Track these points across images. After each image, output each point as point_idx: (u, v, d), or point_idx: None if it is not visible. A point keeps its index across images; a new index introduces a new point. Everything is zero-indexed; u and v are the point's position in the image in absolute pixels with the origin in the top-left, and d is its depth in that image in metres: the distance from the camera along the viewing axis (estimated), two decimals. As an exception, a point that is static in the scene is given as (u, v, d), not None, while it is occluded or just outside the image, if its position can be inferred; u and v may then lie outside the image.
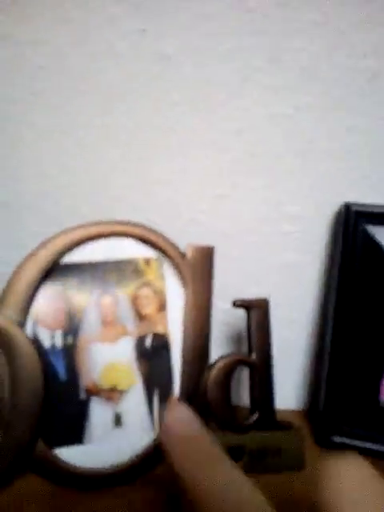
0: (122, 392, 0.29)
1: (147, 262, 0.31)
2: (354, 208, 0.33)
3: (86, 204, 0.36)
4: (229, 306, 0.31)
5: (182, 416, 0.19)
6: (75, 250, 0.30)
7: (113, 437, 0.28)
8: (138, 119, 0.35)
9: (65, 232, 0.30)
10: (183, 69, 0.34)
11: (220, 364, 0.30)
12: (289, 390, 0.38)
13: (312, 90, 0.34)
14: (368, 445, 0.33)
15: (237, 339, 0.38)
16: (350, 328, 0.33)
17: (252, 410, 0.31)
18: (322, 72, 0.34)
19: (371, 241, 0.33)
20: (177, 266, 0.31)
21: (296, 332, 0.38)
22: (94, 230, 0.30)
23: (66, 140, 0.35)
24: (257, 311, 0.31)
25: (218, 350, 0.33)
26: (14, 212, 0.37)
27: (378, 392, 0.33)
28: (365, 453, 0.32)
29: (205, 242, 0.32)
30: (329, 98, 0.35)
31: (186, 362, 0.30)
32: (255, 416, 0.30)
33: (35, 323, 0.29)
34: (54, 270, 0.29)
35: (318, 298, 0.37)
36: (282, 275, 0.37)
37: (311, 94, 0.34)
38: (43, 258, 0.29)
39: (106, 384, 0.28)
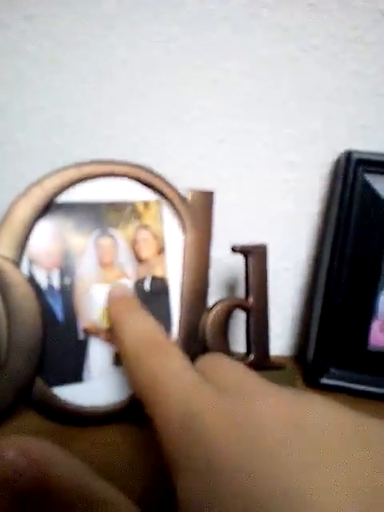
0: (121, 333, 0.29)
1: (146, 204, 0.30)
2: (355, 156, 0.33)
3: (79, 143, 0.34)
4: (222, 252, 0.31)
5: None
6: (71, 189, 0.29)
7: (112, 375, 0.28)
8: (136, 53, 0.33)
9: (60, 170, 0.29)
10: (186, 1, 0.32)
11: (218, 307, 0.30)
12: (278, 336, 0.39)
13: (319, 32, 0.33)
14: (355, 386, 0.34)
15: (230, 286, 0.38)
16: (343, 277, 0.34)
17: (247, 352, 0.31)
18: (330, 11, 0.33)
19: (370, 190, 0.33)
20: (177, 210, 0.31)
21: (287, 280, 0.38)
22: (90, 169, 0.29)
23: (62, 72, 0.33)
24: (255, 257, 0.32)
25: (211, 296, 0.33)
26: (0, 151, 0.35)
27: (366, 337, 0.34)
28: (352, 393, 0.34)
29: (201, 186, 0.32)
30: (336, 41, 0.33)
31: (184, 306, 0.30)
32: (251, 357, 0.31)
33: (31, 263, 0.28)
34: (50, 210, 0.28)
35: (313, 247, 0.37)
36: (278, 223, 0.37)
37: (318, 36, 0.33)
38: (38, 196, 0.28)
39: (105, 324, 0.28)
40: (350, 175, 0.33)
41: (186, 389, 0.16)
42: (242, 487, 0.12)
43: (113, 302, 0.25)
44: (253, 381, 0.17)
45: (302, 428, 0.13)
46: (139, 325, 0.21)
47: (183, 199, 0.31)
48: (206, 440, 0.14)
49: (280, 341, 0.40)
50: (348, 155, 0.33)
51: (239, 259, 0.33)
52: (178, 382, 0.16)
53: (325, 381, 0.35)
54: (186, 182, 0.33)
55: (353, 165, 0.33)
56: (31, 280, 0.27)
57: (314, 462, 0.12)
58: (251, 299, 0.31)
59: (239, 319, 0.37)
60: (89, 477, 0.14)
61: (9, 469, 0.12)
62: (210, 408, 0.15)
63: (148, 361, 0.18)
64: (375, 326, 0.34)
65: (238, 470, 0.12)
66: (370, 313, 0.34)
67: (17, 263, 0.27)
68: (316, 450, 0.12)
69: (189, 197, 0.31)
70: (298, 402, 0.14)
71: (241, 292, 0.34)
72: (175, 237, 0.31)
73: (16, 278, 0.26)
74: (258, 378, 0.17)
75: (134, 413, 0.28)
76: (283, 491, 0.11)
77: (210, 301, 0.31)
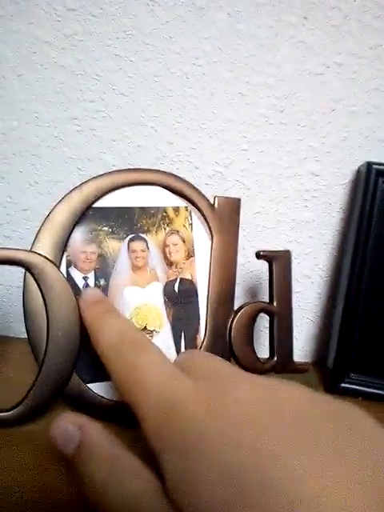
0: (151, 332, 0.30)
1: (176, 210, 0.32)
2: (375, 167, 0.34)
3: (111, 152, 0.36)
4: (246, 258, 0.32)
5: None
6: (107, 195, 0.30)
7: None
8: (166, 67, 0.35)
9: (97, 177, 0.30)
10: (215, 20, 0.34)
11: (244, 310, 0.32)
12: (299, 341, 0.40)
13: (341, 50, 0.35)
14: (375, 391, 0.35)
15: (253, 292, 0.39)
16: (363, 284, 0.35)
17: (271, 356, 0.32)
18: (351, 32, 0.35)
19: (390, 200, 0.34)
20: (205, 216, 0.32)
21: (308, 287, 0.39)
22: (124, 177, 0.31)
23: (94, 84, 0.35)
24: (279, 262, 0.33)
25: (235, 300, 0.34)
26: (31, 156, 0.36)
27: (386, 343, 0.35)
28: (372, 398, 0.35)
29: (226, 194, 0.33)
30: (357, 59, 0.35)
31: (211, 308, 0.31)
32: (274, 360, 0.32)
33: (68, 265, 0.29)
34: (87, 214, 0.30)
35: (334, 254, 0.38)
36: (300, 231, 0.38)
37: (341, 54, 0.35)
38: (77, 201, 0.29)
39: (136, 324, 0.30)
40: (371, 185, 0.34)
41: (163, 379, 0.17)
42: (220, 463, 0.13)
43: (87, 306, 0.26)
44: (228, 369, 0.18)
45: (276, 410, 0.14)
46: (116, 325, 0.22)
47: (211, 206, 0.32)
48: (184, 424, 0.15)
49: (300, 346, 0.40)
50: (368, 166, 0.34)
51: (262, 265, 0.34)
52: (155, 373, 0.18)
53: (345, 386, 0.36)
54: (212, 190, 0.34)
55: (373, 175, 0.34)
56: (69, 280, 0.29)
57: (288, 439, 0.13)
58: (275, 303, 0.32)
59: (261, 324, 0.39)
60: (118, 445, 0.17)
61: (64, 432, 0.17)
62: (186, 395, 0.16)
63: (126, 356, 0.19)
64: (395, 332, 0.35)
65: (217, 449, 0.13)
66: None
67: (56, 264, 0.28)
68: (290, 430, 0.13)
69: (216, 204, 0.32)
70: (273, 386, 0.16)
71: (264, 298, 0.36)
72: (203, 242, 0.32)
73: (56, 278, 0.28)
74: (233, 366, 0.19)
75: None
76: (258, 464, 0.12)
77: (235, 305, 0.33)
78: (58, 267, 0.28)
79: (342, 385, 0.36)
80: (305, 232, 0.38)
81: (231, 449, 0.13)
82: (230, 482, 0.12)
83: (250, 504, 0.12)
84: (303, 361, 0.40)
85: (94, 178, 0.30)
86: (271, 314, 0.33)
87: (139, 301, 0.30)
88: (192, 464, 0.14)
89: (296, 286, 0.38)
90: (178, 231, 0.32)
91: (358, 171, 0.36)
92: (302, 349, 0.41)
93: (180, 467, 0.14)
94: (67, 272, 0.29)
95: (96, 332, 0.23)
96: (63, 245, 0.29)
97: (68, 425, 0.17)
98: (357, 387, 0.36)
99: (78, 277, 0.29)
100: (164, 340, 0.31)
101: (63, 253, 0.29)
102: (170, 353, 0.31)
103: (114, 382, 0.20)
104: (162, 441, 0.15)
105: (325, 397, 0.15)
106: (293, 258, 0.34)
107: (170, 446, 0.15)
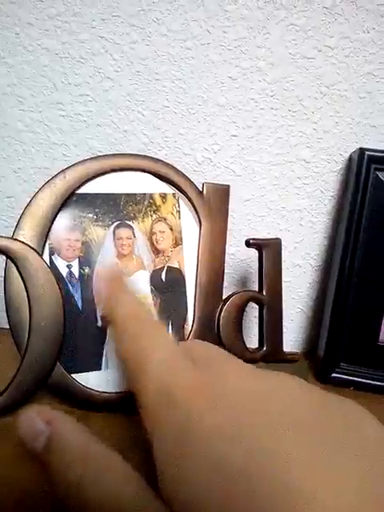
0: (138, 322, 0.29)
1: (164, 197, 0.31)
2: (367, 153, 0.34)
3: (97, 138, 0.35)
4: (235, 247, 0.32)
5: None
6: (91, 181, 0.29)
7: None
8: (153, 49, 0.34)
9: (82, 162, 0.29)
10: (204, 1, 0.33)
11: (233, 300, 0.31)
12: (289, 331, 0.40)
13: (334, 33, 0.34)
14: (366, 381, 0.35)
15: (242, 281, 0.39)
16: (354, 273, 0.35)
17: (260, 345, 0.32)
18: (345, 14, 0.34)
19: (382, 187, 0.34)
20: (193, 203, 0.31)
21: (298, 276, 0.39)
22: (110, 162, 0.30)
23: (79, 67, 0.34)
24: (269, 250, 0.32)
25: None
26: (15, 142, 0.35)
27: (377, 332, 0.35)
28: (362, 388, 0.34)
29: (215, 181, 0.32)
30: (350, 42, 0.34)
31: (199, 297, 0.31)
32: (264, 349, 0.32)
33: (52, 253, 0.28)
34: (71, 201, 0.29)
35: (325, 243, 0.38)
36: (290, 219, 0.37)
37: (333, 37, 0.34)
38: (60, 186, 0.28)
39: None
40: (363, 172, 0.34)
41: (165, 361, 0.17)
42: (212, 456, 0.13)
43: (105, 284, 0.25)
44: (227, 359, 0.18)
45: (272, 403, 0.14)
46: (130, 306, 0.22)
47: (199, 193, 0.31)
48: (180, 408, 0.14)
49: (290, 336, 0.40)
50: (361, 153, 0.34)
51: (252, 254, 0.33)
52: (159, 355, 0.17)
53: (336, 376, 0.35)
54: (201, 177, 0.33)
55: (366, 162, 0.34)
56: (52, 268, 0.28)
57: (284, 435, 0.13)
58: (265, 292, 0.32)
59: (251, 314, 0.38)
60: (90, 438, 0.17)
61: (32, 428, 0.16)
62: (185, 383, 0.16)
63: (135, 336, 0.19)
64: (386, 322, 0.35)
65: (210, 441, 0.13)
66: (381, 308, 0.35)
67: (39, 252, 0.28)
68: (286, 425, 0.13)
69: (204, 191, 0.31)
70: (271, 379, 0.16)
71: (252, 288, 0.35)
72: (191, 229, 0.31)
73: (38, 266, 0.27)
74: (232, 356, 0.19)
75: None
76: (252, 459, 0.12)
77: (223, 295, 0.32)
78: (41, 255, 0.28)
79: (333, 374, 0.35)
80: (296, 220, 0.37)
81: (225, 441, 0.13)
82: (222, 475, 0.12)
83: (240, 498, 0.11)
84: (293, 351, 0.39)
85: (77, 162, 0.29)
86: (261, 303, 0.32)
87: (125, 290, 0.29)
88: (183, 453, 0.13)
89: (286, 276, 0.38)
90: (165, 218, 0.31)
91: (350, 158, 0.36)
92: (292, 339, 0.40)
93: (171, 455, 0.14)
94: (50, 260, 0.28)
95: (110, 311, 0.22)
96: (46, 232, 0.28)
97: (34, 419, 0.16)
98: (347, 377, 0.35)
99: (61, 265, 0.28)
100: (151, 329, 0.30)
101: (46, 240, 0.28)
102: (157, 342, 0.30)
103: (120, 360, 0.20)
104: (156, 426, 0.15)
105: (322, 391, 0.15)
106: (283, 247, 0.33)
107: (163, 433, 0.15)
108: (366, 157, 0.34)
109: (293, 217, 0.37)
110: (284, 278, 0.35)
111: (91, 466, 0.15)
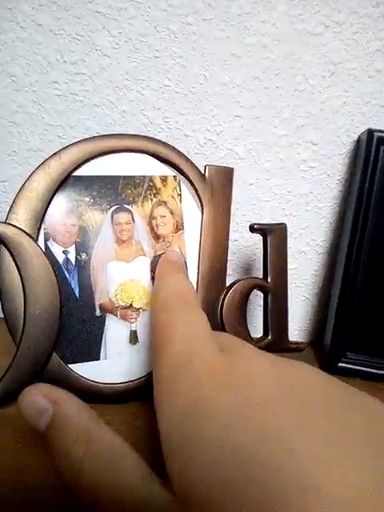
0: (137, 310, 0.28)
1: (164, 180, 0.30)
2: (376, 135, 0.32)
3: (94, 118, 0.33)
4: (238, 233, 0.31)
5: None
6: (88, 163, 0.28)
7: (128, 354, 0.28)
8: (153, 25, 0.32)
9: (78, 143, 0.28)
10: (206, -28, 0.31)
11: (237, 287, 0.30)
12: (295, 320, 0.39)
13: (342, 8, 0.32)
14: (372, 370, 0.34)
15: (246, 269, 0.37)
16: (362, 260, 0.33)
17: (265, 334, 0.31)
18: (353, -14, 0.32)
19: (392, 169, 0.32)
20: (195, 187, 0.30)
21: (304, 263, 0.38)
22: (108, 143, 0.28)
23: (75, 44, 0.32)
24: (274, 236, 0.31)
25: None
26: (9, 123, 0.34)
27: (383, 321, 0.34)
28: (368, 378, 0.33)
29: (218, 163, 0.31)
30: (359, 18, 0.33)
31: (202, 284, 0.30)
32: (269, 338, 0.30)
33: (47, 238, 0.27)
34: (67, 183, 0.28)
35: (332, 229, 0.37)
36: (296, 204, 0.36)
37: (341, 12, 0.32)
38: (55, 169, 0.27)
39: (121, 301, 0.28)
40: (372, 154, 0.32)
41: (194, 337, 0.17)
42: (221, 439, 0.12)
43: (163, 263, 0.25)
44: (252, 348, 0.18)
45: (289, 392, 0.14)
46: (176, 283, 0.22)
47: (201, 175, 0.30)
48: (196, 381, 0.14)
49: (296, 325, 0.39)
50: (369, 134, 0.32)
51: (257, 241, 0.32)
52: (189, 330, 0.17)
53: (342, 365, 0.34)
54: (203, 159, 0.32)
55: (374, 144, 0.32)
56: (48, 254, 0.27)
57: (299, 425, 0.12)
58: (270, 280, 0.31)
59: (256, 303, 0.37)
60: (94, 420, 0.17)
61: (35, 405, 0.16)
62: (208, 355, 0.15)
63: (171, 311, 0.19)
64: (394, 310, 0.34)
65: (221, 423, 0.13)
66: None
67: (33, 237, 0.26)
68: (302, 415, 0.13)
69: (207, 173, 0.30)
70: (290, 365, 0.15)
71: (257, 275, 0.34)
72: (193, 214, 0.30)
73: (33, 252, 0.26)
74: (256, 349, 0.18)
75: (149, 392, 0.28)
76: (265, 446, 0.11)
77: (227, 283, 0.31)
78: (36, 240, 0.26)
79: (339, 364, 0.34)
80: (301, 205, 0.36)
81: (237, 426, 0.12)
82: (232, 460, 0.12)
83: (248, 483, 0.11)
84: (299, 340, 0.38)
85: (73, 143, 0.28)
86: (265, 291, 0.31)
87: (124, 276, 0.28)
88: (192, 427, 0.13)
89: (292, 263, 0.37)
90: (165, 202, 0.30)
91: (359, 139, 0.34)
92: (297, 328, 0.39)
93: (178, 433, 0.13)
94: (46, 246, 0.27)
95: (156, 287, 0.22)
96: (41, 216, 0.27)
97: (37, 397, 0.16)
98: (353, 366, 0.34)
99: (57, 251, 0.27)
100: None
101: (41, 225, 0.27)
102: (158, 331, 0.29)
103: (151, 335, 0.19)
104: (169, 395, 0.15)
105: (340, 383, 0.15)
106: (288, 233, 0.32)
107: (174, 402, 0.14)
108: (375, 138, 0.32)
109: (298, 201, 0.36)
110: (289, 265, 0.34)
111: (94, 447, 0.15)
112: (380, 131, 0.32)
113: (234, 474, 0.11)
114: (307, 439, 0.11)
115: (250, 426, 0.12)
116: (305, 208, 0.36)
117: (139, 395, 0.27)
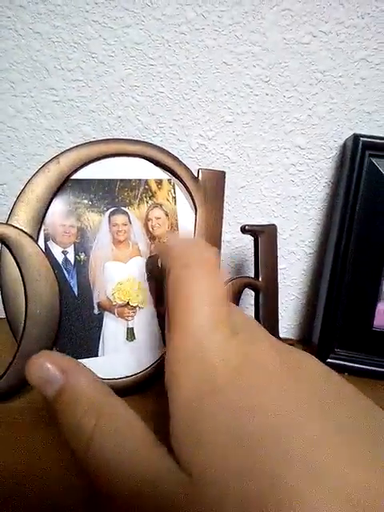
0: (134, 308, 0.29)
1: (159, 183, 0.31)
2: (362, 140, 0.34)
3: (90, 123, 0.35)
4: (230, 234, 0.32)
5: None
6: (87, 167, 0.29)
7: (125, 350, 0.29)
8: (147, 34, 0.33)
9: (76, 147, 0.29)
10: (199, -17, 0.32)
11: (229, 285, 0.31)
12: (284, 318, 0.40)
13: (329, 18, 0.34)
14: (360, 366, 0.35)
15: (237, 269, 0.39)
16: (349, 259, 0.35)
17: (256, 331, 0.32)
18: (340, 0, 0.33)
19: (377, 174, 0.34)
20: (189, 189, 0.31)
21: (293, 263, 0.39)
22: (105, 148, 0.29)
23: (72, 52, 0.33)
24: (265, 237, 0.32)
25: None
26: (7, 128, 0.35)
27: (371, 318, 0.35)
28: (357, 374, 0.35)
29: (210, 167, 0.32)
30: (345, 28, 0.34)
31: (196, 283, 0.31)
32: (260, 335, 0.32)
33: (47, 239, 0.28)
34: (66, 186, 0.29)
35: (319, 230, 0.38)
36: (285, 206, 0.37)
37: (328, 22, 0.34)
38: (54, 172, 0.28)
39: (119, 299, 0.29)
40: (358, 159, 0.34)
41: (209, 318, 0.16)
42: (231, 425, 0.13)
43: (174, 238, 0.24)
44: (262, 330, 0.18)
45: (298, 379, 0.14)
46: (201, 247, 0.20)
47: (195, 178, 0.31)
48: (209, 363, 0.14)
49: (285, 323, 0.40)
50: (355, 139, 0.34)
51: (246, 242, 0.33)
52: (206, 300, 0.16)
53: (330, 361, 0.36)
54: (195, 163, 0.33)
55: (360, 148, 0.34)
56: (48, 254, 0.27)
57: (308, 410, 0.13)
58: (261, 279, 0.32)
59: (246, 301, 0.38)
60: (105, 390, 0.16)
61: (44, 373, 0.15)
62: (221, 340, 0.15)
63: (191, 274, 0.17)
64: (381, 307, 0.35)
65: (233, 399, 0.13)
66: (375, 294, 0.35)
67: (34, 237, 0.27)
68: (311, 401, 0.13)
69: (200, 176, 0.31)
70: (296, 353, 0.17)
71: (248, 274, 0.35)
72: (187, 215, 0.31)
73: (33, 252, 0.27)
74: (265, 330, 0.18)
75: (146, 386, 0.29)
76: (274, 431, 0.12)
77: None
78: (36, 241, 0.27)
79: (328, 360, 0.36)
80: (290, 207, 0.37)
81: (246, 411, 0.13)
82: (239, 443, 0.12)
83: (256, 468, 0.11)
84: (288, 337, 0.40)
85: (71, 148, 0.29)
86: (257, 290, 0.32)
87: (121, 276, 0.29)
88: (203, 408, 0.13)
89: (281, 263, 0.38)
90: (160, 205, 0.31)
91: (345, 144, 0.36)
92: (286, 326, 0.40)
93: (190, 406, 0.14)
94: (45, 246, 0.28)
95: (167, 249, 0.21)
96: (41, 218, 0.28)
97: (46, 363, 0.16)
98: (342, 362, 0.35)
99: (56, 251, 0.28)
100: (147, 315, 0.30)
101: (41, 226, 0.28)
102: (153, 328, 0.30)
103: (166, 290, 0.17)
104: (180, 374, 0.15)
105: (339, 376, 0.16)
106: (278, 234, 0.33)
107: (186, 381, 0.14)
108: (360, 143, 0.34)
109: (287, 204, 0.37)
110: (279, 265, 0.36)
111: (104, 418, 0.15)
112: (365, 136, 0.34)
113: (243, 458, 0.12)
114: (314, 426, 0.12)
115: (257, 412, 0.13)
116: (294, 210, 0.37)
117: (136, 390, 0.28)
